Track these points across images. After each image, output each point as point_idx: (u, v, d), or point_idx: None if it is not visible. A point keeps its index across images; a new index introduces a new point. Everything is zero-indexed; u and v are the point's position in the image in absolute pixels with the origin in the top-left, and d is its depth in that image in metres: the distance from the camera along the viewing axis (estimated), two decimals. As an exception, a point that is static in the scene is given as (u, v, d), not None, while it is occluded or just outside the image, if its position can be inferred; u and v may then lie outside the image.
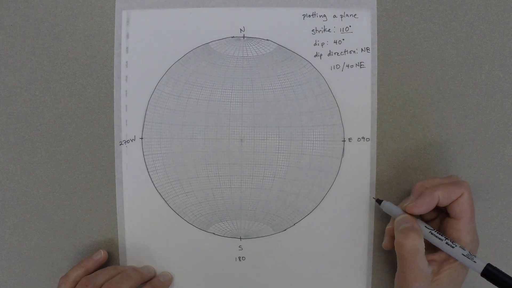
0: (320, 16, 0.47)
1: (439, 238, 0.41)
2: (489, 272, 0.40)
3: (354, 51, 0.47)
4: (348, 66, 0.47)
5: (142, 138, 0.48)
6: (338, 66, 0.47)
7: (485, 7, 0.47)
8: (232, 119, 0.47)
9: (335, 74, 0.47)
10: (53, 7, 0.48)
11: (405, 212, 0.42)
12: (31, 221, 0.48)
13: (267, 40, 0.47)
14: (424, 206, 0.41)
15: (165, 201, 0.48)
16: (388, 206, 0.44)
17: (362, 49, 0.47)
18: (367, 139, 0.47)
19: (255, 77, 0.47)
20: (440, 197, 0.41)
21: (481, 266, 0.40)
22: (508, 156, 0.48)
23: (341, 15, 0.47)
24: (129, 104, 0.47)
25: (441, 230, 0.43)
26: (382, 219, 0.47)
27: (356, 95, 0.47)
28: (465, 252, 0.41)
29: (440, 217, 0.44)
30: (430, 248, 0.42)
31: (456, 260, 0.41)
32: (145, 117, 0.47)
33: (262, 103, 0.47)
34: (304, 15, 0.47)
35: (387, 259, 0.48)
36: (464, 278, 0.43)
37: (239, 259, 0.48)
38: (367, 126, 0.47)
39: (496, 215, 0.48)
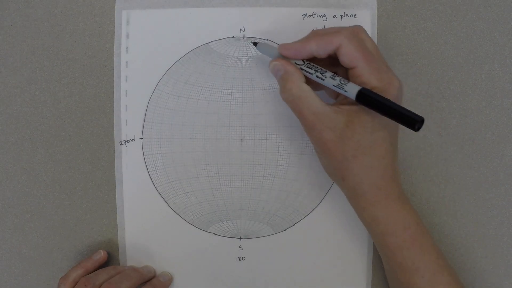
0: (320, 16, 0.47)
1: (309, 72, 0.39)
2: (364, 96, 0.37)
3: (354, 51, 0.47)
4: (348, 66, 0.47)
5: (142, 138, 0.48)
6: (338, 66, 0.47)
7: (485, 7, 0.47)
8: (232, 119, 0.47)
9: (335, 74, 0.47)
10: (53, 7, 0.48)
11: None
12: (31, 221, 0.48)
13: (267, 40, 0.47)
14: (292, 50, 0.39)
15: (165, 201, 0.48)
16: (264, 47, 0.42)
17: (362, 49, 0.47)
18: (367, 139, 0.47)
19: (255, 77, 0.47)
20: (314, 47, 0.38)
21: (354, 92, 0.37)
22: (508, 156, 0.48)
23: (341, 15, 0.47)
24: (129, 104, 0.47)
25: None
26: (382, 219, 0.47)
27: (356, 95, 0.47)
28: (335, 82, 0.38)
29: (342, 68, 0.40)
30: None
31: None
32: (145, 117, 0.47)
33: (262, 103, 0.47)
34: (304, 15, 0.47)
35: (387, 259, 0.48)
36: (389, 128, 0.39)
37: (239, 259, 0.48)
38: (367, 126, 0.47)
39: (496, 215, 0.48)
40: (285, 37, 0.47)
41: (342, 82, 0.38)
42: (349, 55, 0.38)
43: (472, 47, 0.47)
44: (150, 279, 0.47)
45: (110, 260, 0.48)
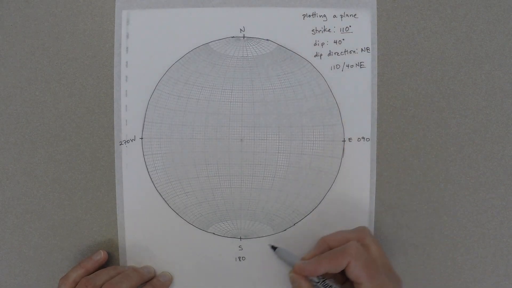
0: (320, 16, 0.47)
1: (324, 285, 0.42)
2: None
3: (354, 51, 0.47)
4: (348, 66, 0.47)
5: (142, 138, 0.48)
6: (338, 66, 0.47)
7: (485, 7, 0.47)
8: (232, 119, 0.47)
9: (335, 74, 0.47)
10: (53, 7, 0.48)
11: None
12: (31, 221, 0.48)
13: (267, 40, 0.47)
14: (307, 272, 0.42)
15: (165, 201, 0.48)
16: (282, 253, 0.45)
17: (362, 49, 0.47)
18: (367, 139, 0.47)
19: (255, 77, 0.47)
20: (327, 268, 0.41)
21: None
22: (508, 156, 0.48)
23: (341, 15, 0.47)
24: (129, 104, 0.47)
25: None
26: (382, 219, 0.47)
27: (356, 95, 0.47)
28: None
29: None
30: None
31: None
32: (145, 117, 0.47)
33: (262, 103, 0.47)
34: (304, 15, 0.47)
35: (387, 259, 0.48)
36: None
37: (239, 259, 0.48)
38: (367, 126, 0.47)
39: (496, 215, 0.48)
40: (285, 37, 0.47)
41: None
42: (355, 273, 0.40)
43: (472, 47, 0.47)
44: (150, 279, 0.47)
45: (110, 260, 0.48)
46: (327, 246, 0.44)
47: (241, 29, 0.47)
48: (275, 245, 0.47)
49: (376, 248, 0.43)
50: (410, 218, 0.48)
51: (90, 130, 0.48)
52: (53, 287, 0.48)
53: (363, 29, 0.47)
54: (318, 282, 0.42)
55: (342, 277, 0.43)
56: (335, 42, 0.47)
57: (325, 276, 0.42)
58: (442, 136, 0.47)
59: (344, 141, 0.47)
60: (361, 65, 0.47)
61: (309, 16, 0.47)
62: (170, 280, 0.47)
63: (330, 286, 0.42)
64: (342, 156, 0.47)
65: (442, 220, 0.48)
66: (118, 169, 0.48)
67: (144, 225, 0.48)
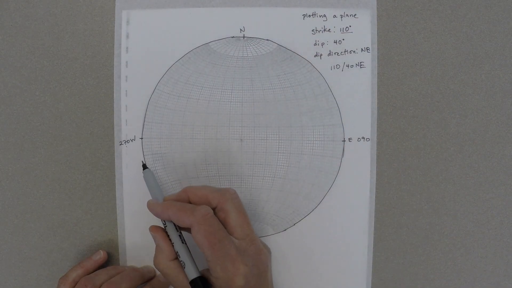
0: (320, 16, 0.47)
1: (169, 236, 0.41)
2: (196, 285, 0.39)
3: (354, 51, 0.47)
4: (348, 66, 0.47)
5: (142, 138, 0.48)
6: (338, 66, 0.47)
7: (485, 7, 0.47)
8: (232, 119, 0.47)
9: (335, 74, 0.47)
10: (53, 7, 0.48)
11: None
12: (31, 221, 0.48)
13: (267, 40, 0.47)
14: (154, 212, 0.41)
15: (165, 201, 0.48)
16: (149, 178, 0.44)
17: (362, 49, 0.47)
18: (367, 139, 0.47)
19: (255, 77, 0.47)
20: (172, 217, 0.40)
21: (190, 277, 0.40)
22: (508, 156, 0.48)
23: (341, 15, 0.47)
24: (129, 104, 0.47)
25: None
26: (382, 219, 0.47)
27: (356, 95, 0.47)
28: (180, 259, 0.40)
29: None
30: None
31: None
32: (145, 117, 0.47)
33: (262, 103, 0.47)
34: (304, 15, 0.47)
35: (387, 259, 0.48)
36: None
37: (239, 259, 0.48)
38: (367, 126, 0.47)
39: (496, 215, 0.48)
40: (285, 37, 0.47)
41: (183, 263, 0.40)
42: (197, 239, 0.38)
43: (472, 47, 0.47)
44: (150, 279, 0.47)
45: (110, 260, 0.48)
46: (186, 198, 0.41)
47: (241, 29, 0.47)
48: (146, 166, 0.45)
49: (237, 215, 0.40)
50: (410, 218, 0.48)
51: (90, 130, 0.48)
52: (53, 287, 0.48)
53: (363, 29, 0.47)
54: (165, 226, 0.41)
55: None
56: (335, 42, 0.47)
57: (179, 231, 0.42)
58: (442, 136, 0.47)
59: (344, 141, 0.47)
60: (361, 65, 0.47)
61: (309, 16, 0.47)
62: (170, 280, 0.47)
63: (175, 238, 0.41)
64: (342, 156, 0.47)
65: (442, 220, 0.48)
66: (118, 169, 0.48)
67: (144, 225, 0.48)
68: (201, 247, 0.38)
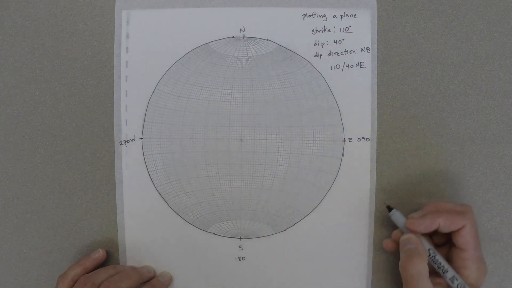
0: (320, 16, 0.47)
1: (433, 262, 0.42)
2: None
3: (354, 51, 0.47)
4: (348, 66, 0.47)
5: (142, 138, 0.48)
6: (338, 66, 0.47)
7: (485, 7, 0.47)
8: (232, 119, 0.47)
9: (335, 74, 0.47)
10: (53, 7, 0.48)
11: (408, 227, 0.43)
12: (31, 221, 0.48)
13: (267, 40, 0.47)
14: (422, 227, 0.42)
15: (165, 201, 0.48)
16: (397, 216, 0.44)
17: (362, 49, 0.47)
18: (367, 139, 0.47)
19: (255, 77, 0.47)
20: (441, 224, 0.41)
21: None
22: (508, 156, 0.48)
23: (341, 15, 0.47)
24: (129, 104, 0.47)
25: (449, 257, 0.43)
26: (382, 219, 0.47)
27: (356, 95, 0.47)
28: (454, 285, 0.41)
29: (449, 243, 0.44)
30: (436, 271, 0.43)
31: None
32: (145, 117, 0.47)
33: (262, 103, 0.47)
34: (304, 15, 0.47)
35: (387, 259, 0.48)
36: None
37: (239, 259, 0.48)
38: (367, 126, 0.47)
39: (496, 215, 0.48)
40: (285, 37, 0.47)
41: (442, 267, 0.42)
42: (466, 238, 0.41)
43: (472, 47, 0.47)
44: (149, 279, 0.47)
45: (110, 259, 0.48)
46: (435, 210, 0.43)
47: (241, 29, 0.47)
48: (391, 206, 0.45)
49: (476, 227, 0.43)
50: (410, 218, 0.48)
51: (90, 130, 0.48)
52: (53, 287, 0.48)
53: (363, 29, 0.47)
54: (428, 256, 0.42)
55: (439, 239, 0.44)
56: (335, 42, 0.47)
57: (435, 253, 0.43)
58: (442, 136, 0.47)
59: (344, 141, 0.47)
60: (361, 65, 0.47)
61: (309, 16, 0.47)
62: (169, 280, 0.47)
63: (440, 263, 0.42)
64: (342, 156, 0.47)
65: (442, 220, 0.48)
66: (118, 169, 0.48)
67: (144, 225, 0.48)
68: (466, 246, 0.41)
